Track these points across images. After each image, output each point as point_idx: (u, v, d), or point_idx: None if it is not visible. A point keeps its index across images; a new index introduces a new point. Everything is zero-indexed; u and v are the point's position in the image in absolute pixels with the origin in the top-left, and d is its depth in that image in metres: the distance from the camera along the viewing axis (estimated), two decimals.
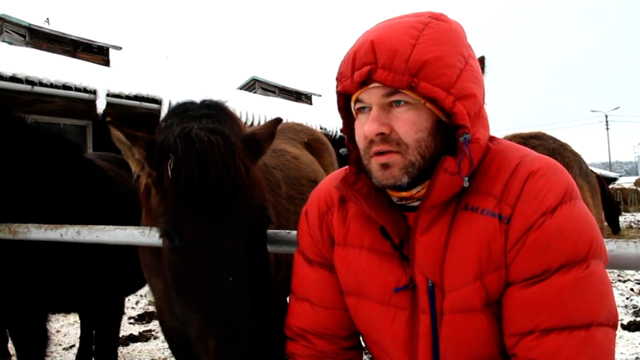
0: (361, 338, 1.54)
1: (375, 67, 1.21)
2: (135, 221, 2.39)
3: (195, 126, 1.69)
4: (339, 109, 1.42)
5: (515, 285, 1.21)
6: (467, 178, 1.24)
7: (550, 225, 1.18)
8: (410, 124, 1.24)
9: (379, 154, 1.27)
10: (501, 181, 1.25)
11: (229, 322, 1.51)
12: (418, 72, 1.19)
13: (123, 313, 3.72)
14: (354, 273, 1.41)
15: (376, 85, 1.24)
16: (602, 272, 1.18)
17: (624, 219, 19.87)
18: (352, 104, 1.34)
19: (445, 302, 1.26)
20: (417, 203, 1.33)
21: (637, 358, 4.62)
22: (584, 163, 3.63)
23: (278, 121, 1.96)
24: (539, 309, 1.16)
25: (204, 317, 1.55)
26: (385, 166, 1.26)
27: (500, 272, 1.22)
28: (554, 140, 3.58)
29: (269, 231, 1.78)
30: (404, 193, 1.32)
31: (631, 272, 8.26)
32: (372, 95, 1.26)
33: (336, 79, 1.35)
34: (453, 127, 1.25)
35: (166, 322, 2.49)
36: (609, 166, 63.42)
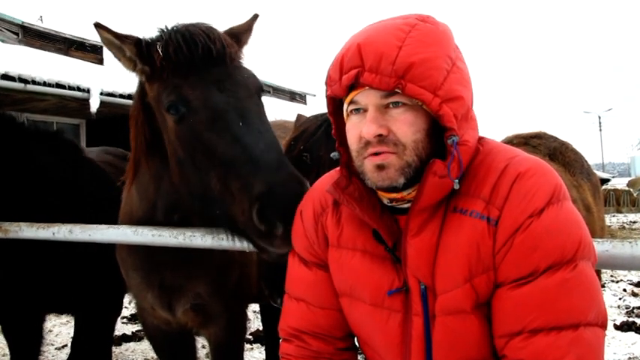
0: (356, 339, 1.54)
1: (362, 70, 1.21)
2: None
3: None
4: (330, 114, 1.42)
5: (503, 286, 1.21)
6: (457, 181, 1.24)
7: (537, 226, 1.18)
8: (408, 125, 1.24)
9: (375, 154, 1.26)
10: (490, 183, 1.25)
11: (251, 158, 1.62)
12: (405, 74, 1.18)
13: (120, 313, 3.68)
14: (347, 275, 1.40)
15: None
16: (590, 273, 1.18)
17: (617, 219, 19.98)
18: (345, 105, 1.34)
19: (437, 304, 1.26)
20: (407, 205, 1.33)
21: (630, 358, 4.65)
22: (586, 161, 3.59)
23: (255, 16, 2.16)
24: (528, 310, 1.16)
25: (225, 166, 1.65)
26: (380, 167, 1.26)
27: (489, 274, 1.23)
28: (555, 139, 3.53)
29: None
30: (394, 194, 1.32)
31: (624, 273, 8.30)
32: (368, 96, 1.25)
33: (325, 83, 1.35)
34: (442, 130, 1.25)
35: (147, 321, 2.48)
36: (602, 167, 63.74)
